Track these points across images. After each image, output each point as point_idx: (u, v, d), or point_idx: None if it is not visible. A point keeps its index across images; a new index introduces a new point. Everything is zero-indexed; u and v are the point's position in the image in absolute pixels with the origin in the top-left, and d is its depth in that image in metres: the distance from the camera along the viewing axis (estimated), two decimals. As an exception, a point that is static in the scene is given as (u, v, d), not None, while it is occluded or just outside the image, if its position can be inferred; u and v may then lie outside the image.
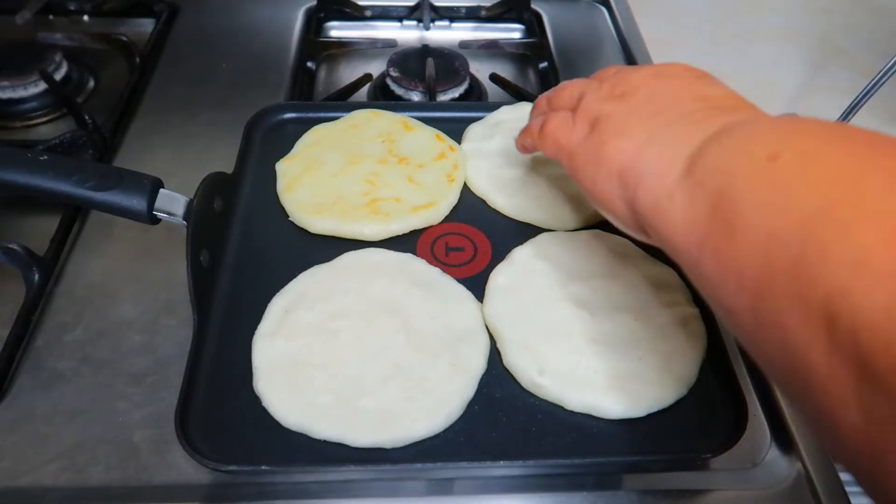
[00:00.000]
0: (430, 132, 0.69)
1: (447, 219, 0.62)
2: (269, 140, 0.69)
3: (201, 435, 0.45)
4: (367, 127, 0.69)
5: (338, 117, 0.70)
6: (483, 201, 0.64)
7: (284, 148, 0.67)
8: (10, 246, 0.57)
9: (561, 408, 0.48)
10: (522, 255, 0.58)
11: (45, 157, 0.51)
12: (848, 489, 0.47)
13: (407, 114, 0.71)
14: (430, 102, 0.77)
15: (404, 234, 0.60)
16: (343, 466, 0.45)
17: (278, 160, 0.65)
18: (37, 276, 0.57)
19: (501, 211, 0.63)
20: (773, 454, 0.50)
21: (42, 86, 0.79)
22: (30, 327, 0.55)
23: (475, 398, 0.49)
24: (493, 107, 0.73)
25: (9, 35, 0.88)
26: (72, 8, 0.95)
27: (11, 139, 0.75)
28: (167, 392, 0.50)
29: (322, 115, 0.71)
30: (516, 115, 0.70)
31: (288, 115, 0.72)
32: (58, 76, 0.80)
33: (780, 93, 0.87)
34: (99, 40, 0.88)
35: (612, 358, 0.50)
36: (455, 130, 0.70)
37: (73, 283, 0.59)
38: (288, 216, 0.61)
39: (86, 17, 0.95)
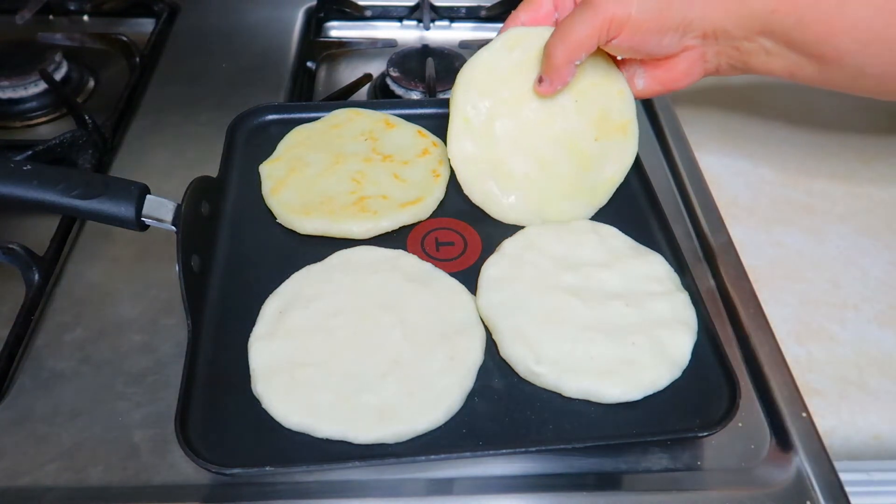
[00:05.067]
0: (412, 129, 0.69)
1: (435, 214, 0.63)
2: (252, 142, 0.69)
3: (203, 439, 0.45)
4: (348, 126, 0.69)
5: (318, 118, 0.71)
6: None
7: (267, 150, 0.67)
8: (10, 246, 0.57)
9: (559, 395, 0.49)
10: (513, 247, 0.58)
11: (29, 167, 0.51)
12: (848, 489, 0.47)
13: (388, 111, 0.72)
14: (409, 101, 0.78)
15: (394, 231, 0.60)
16: (347, 463, 0.45)
17: (262, 162, 0.66)
18: (37, 276, 0.57)
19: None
20: (772, 454, 0.50)
21: (42, 86, 0.79)
22: (30, 327, 0.55)
23: (474, 390, 0.49)
24: None
25: (9, 35, 0.89)
26: (72, 8, 0.95)
27: (11, 139, 0.76)
28: (167, 392, 0.50)
29: (303, 115, 0.71)
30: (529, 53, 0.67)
31: (269, 117, 0.72)
32: (58, 76, 0.80)
33: (779, 91, 0.87)
34: (99, 40, 0.88)
35: (606, 344, 0.51)
36: (436, 126, 0.70)
37: (73, 283, 0.59)
38: (275, 218, 0.61)
39: (86, 17, 0.95)
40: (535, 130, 0.62)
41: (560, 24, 0.55)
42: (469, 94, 0.61)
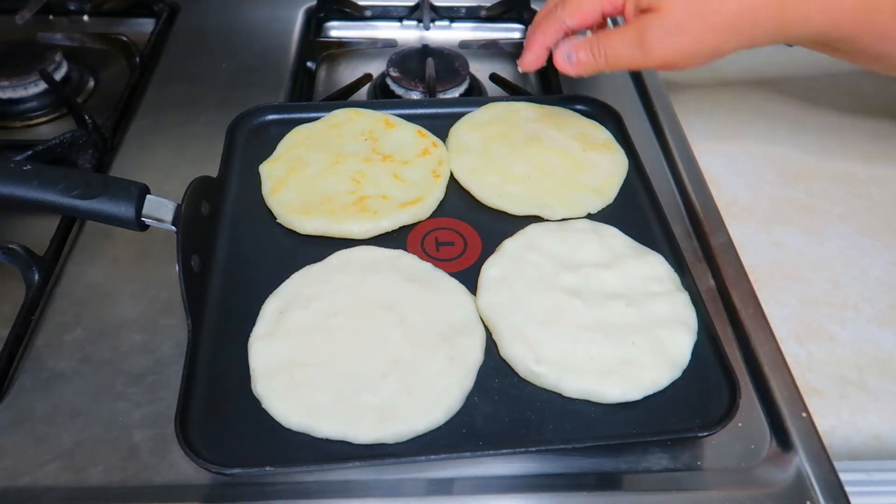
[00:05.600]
0: (412, 129, 0.69)
1: (435, 214, 0.63)
2: (252, 142, 0.69)
3: (203, 439, 0.45)
4: (348, 126, 0.69)
5: (318, 118, 0.71)
6: (470, 195, 0.64)
7: (267, 150, 0.67)
8: (10, 246, 0.57)
9: (559, 395, 0.49)
10: (513, 247, 0.58)
11: (29, 167, 0.51)
12: (848, 489, 0.47)
13: (388, 111, 0.72)
14: (409, 101, 0.78)
15: (394, 231, 0.60)
16: (346, 463, 0.45)
17: (262, 162, 0.66)
18: (37, 276, 0.57)
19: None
20: (772, 454, 0.50)
21: (42, 86, 0.79)
22: (30, 327, 0.55)
23: (474, 390, 0.49)
24: (474, 102, 0.74)
25: (9, 35, 0.89)
26: (72, 8, 0.95)
27: (11, 139, 0.75)
28: (167, 392, 0.50)
29: (303, 115, 0.71)
30: (500, 114, 0.72)
31: (269, 117, 0.72)
32: (58, 76, 0.80)
33: (779, 91, 0.87)
34: (99, 40, 0.88)
35: (606, 344, 0.51)
36: (436, 126, 0.70)
37: (73, 283, 0.59)
38: (275, 218, 0.61)
39: (86, 17, 0.95)
40: (527, 148, 0.68)
41: (604, 40, 0.57)
42: (464, 131, 0.70)
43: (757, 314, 0.58)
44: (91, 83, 0.84)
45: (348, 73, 0.89)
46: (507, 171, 0.65)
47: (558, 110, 0.73)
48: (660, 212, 0.63)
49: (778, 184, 0.74)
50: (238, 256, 0.59)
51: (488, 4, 0.97)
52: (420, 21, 0.95)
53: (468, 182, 0.65)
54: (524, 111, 0.72)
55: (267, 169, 0.65)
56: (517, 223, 0.61)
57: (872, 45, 0.56)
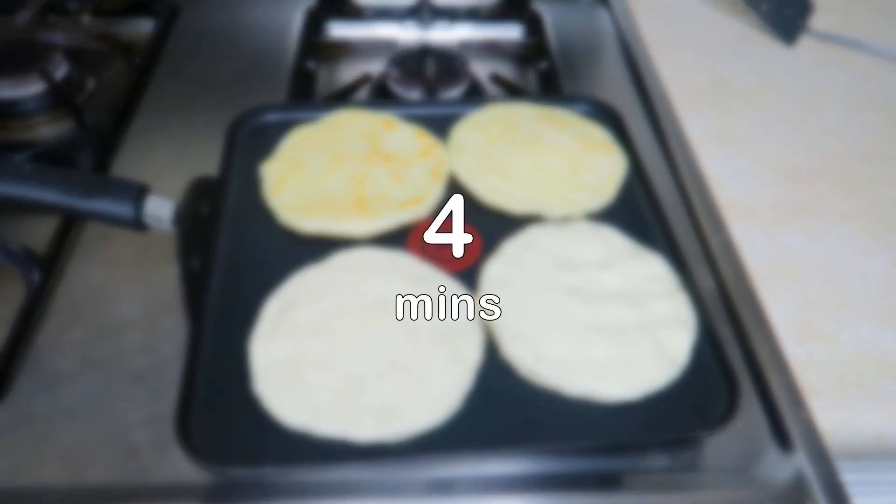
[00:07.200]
0: (412, 130, 0.70)
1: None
2: (252, 142, 0.69)
3: (203, 439, 0.45)
4: (348, 127, 0.70)
5: (318, 118, 0.71)
6: (470, 195, 0.65)
7: (267, 150, 0.67)
8: (10, 246, 0.57)
9: (559, 396, 0.49)
10: (513, 247, 0.58)
11: (29, 167, 0.51)
12: (848, 489, 0.47)
13: (388, 112, 0.72)
14: (409, 101, 0.78)
15: (394, 232, 0.60)
16: (346, 463, 0.45)
17: (262, 162, 0.66)
18: (37, 276, 0.57)
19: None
20: (772, 454, 0.50)
21: (42, 86, 0.79)
22: (30, 327, 0.55)
23: (474, 389, 0.49)
24: (474, 102, 0.74)
25: (9, 35, 0.89)
26: (72, 8, 0.95)
27: (11, 139, 0.75)
28: (167, 392, 0.50)
29: (303, 115, 0.71)
30: (500, 114, 0.72)
31: (269, 117, 0.72)
32: (58, 76, 0.80)
33: (779, 91, 0.87)
34: (99, 40, 0.88)
35: (606, 343, 0.51)
36: (436, 126, 0.70)
37: (73, 283, 0.59)
38: (275, 218, 0.61)
39: (86, 17, 0.95)
40: (527, 148, 0.68)
41: None
42: (464, 131, 0.70)
43: (757, 314, 0.58)
44: (91, 83, 0.84)
45: (348, 73, 0.89)
46: (507, 171, 0.65)
47: (558, 110, 0.73)
48: (660, 212, 0.63)
49: (778, 184, 0.74)
50: (238, 256, 0.59)
51: (488, 4, 0.97)
52: (420, 21, 0.95)
53: (468, 182, 0.65)
54: (524, 111, 0.72)
55: (267, 169, 0.65)
56: (517, 223, 0.61)
57: None
